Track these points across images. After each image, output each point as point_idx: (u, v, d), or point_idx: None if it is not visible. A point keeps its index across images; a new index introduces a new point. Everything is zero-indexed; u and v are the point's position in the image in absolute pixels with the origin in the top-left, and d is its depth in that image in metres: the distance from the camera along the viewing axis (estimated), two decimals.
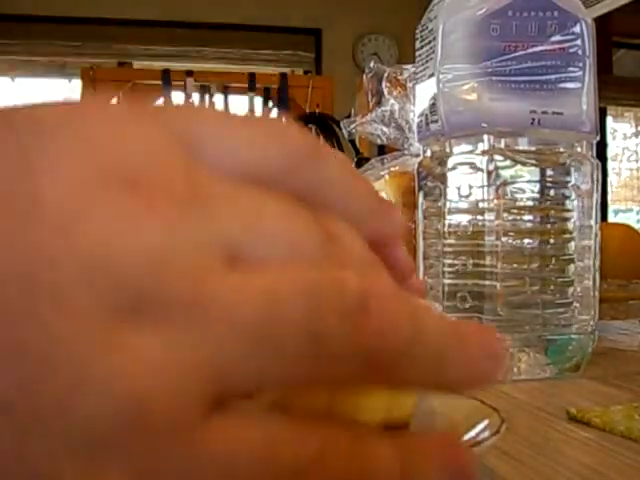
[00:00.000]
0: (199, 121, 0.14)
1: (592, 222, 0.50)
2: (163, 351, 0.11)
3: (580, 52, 0.48)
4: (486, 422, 0.27)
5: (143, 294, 0.11)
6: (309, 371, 0.12)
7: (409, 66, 0.65)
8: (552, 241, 0.49)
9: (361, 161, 1.80)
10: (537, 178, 0.49)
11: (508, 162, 0.48)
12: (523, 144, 0.49)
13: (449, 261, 0.49)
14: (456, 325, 0.15)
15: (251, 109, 3.13)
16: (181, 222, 0.12)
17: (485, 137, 0.48)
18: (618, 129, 4.36)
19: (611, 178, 4.29)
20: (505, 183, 0.48)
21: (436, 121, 0.49)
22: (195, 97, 3.11)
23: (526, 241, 0.49)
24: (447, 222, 0.50)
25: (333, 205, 0.15)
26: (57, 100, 0.14)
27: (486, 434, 0.26)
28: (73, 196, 0.11)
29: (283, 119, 0.15)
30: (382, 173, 0.66)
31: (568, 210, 0.50)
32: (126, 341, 0.11)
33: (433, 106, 0.49)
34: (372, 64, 0.72)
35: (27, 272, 0.11)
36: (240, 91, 3.15)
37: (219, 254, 0.12)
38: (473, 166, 0.49)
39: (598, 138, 0.50)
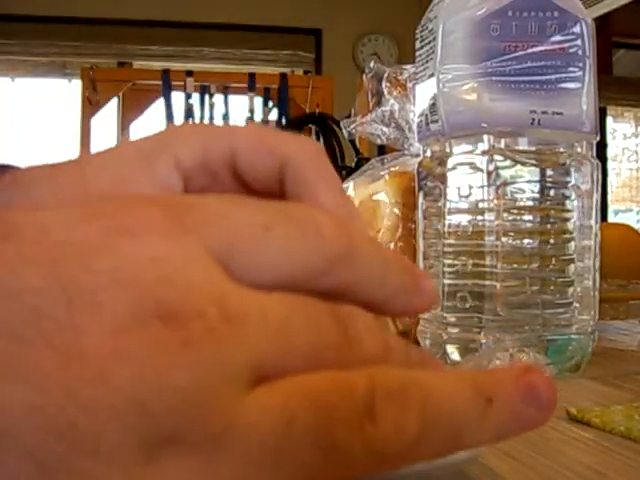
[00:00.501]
0: (237, 235, 0.15)
1: (592, 222, 0.50)
2: (192, 474, 0.12)
3: (580, 52, 0.48)
4: None
5: (173, 431, 0.12)
6: (322, 475, 0.13)
7: (409, 66, 0.65)
8: (552, 241, 0.49)
9: (361, 161, 1.80)
10: (537, 178, 0.49)
11: (508, 162, 0.48)
12: (523, 144, 0.49)
13: (449, 261, 0.49)
14: (474, 382, 0.15)
15: (251, 109, 3.13)
16: (213, 354, 0.13)
17: (485, 137, 0.48)
18: (618, 129, 4.36)
19: (611, 178, 4.29)
20: (505, 183, 0.48)
21: (436, 121, 0.49)
22: (195, 97, 3.11)
23: (526, 241, 0.49)
24: (447, 222, 0.50)
25: (365, 293, 0.16)
26: (99, 208, 0.14)
27: None
28: (111, 334, 0.12)
29: (317, 215, 0.16)
30: (382, 173, 0.66)
31: (568, 210, 0.50)
32: (159, 470, 0.12)
33: (433, 106, 0.49)
34: (372, 64, 0.72)
35: (63, 420, 0.11)
36: (240, 91, 3.15)
37: (245, 379, 0.13)
38: (473, 166, 0.49)
39: (598, 138, 0.50)
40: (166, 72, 3.11)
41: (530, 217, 0.49)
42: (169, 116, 3.09)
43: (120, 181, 0.23)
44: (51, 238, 0.13)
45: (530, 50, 0.47)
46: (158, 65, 3.33)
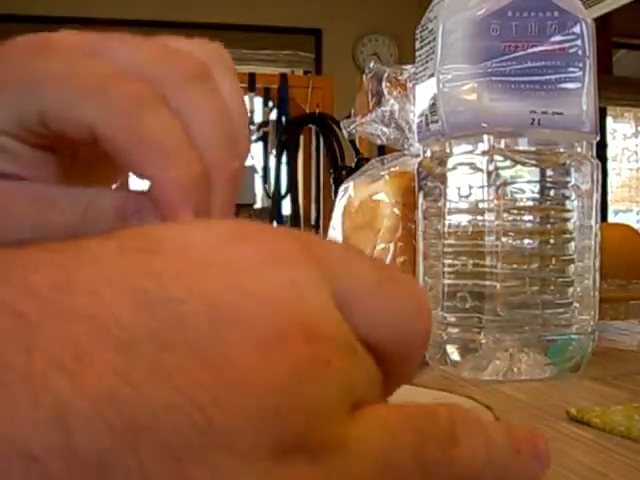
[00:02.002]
0: (356, 287, 0.16)
1: (592, 222, 0.50)
2: (314, 478, 0.13)
3: (580, 52, 0.48)
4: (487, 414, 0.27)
5: (302, 438, 0.13)
6: None
7: (409, 66, 0.65)
8: (552, 241, 0.49)
9: (361, 161, 1.80)
10: (537, 178, 0.49)
11: (508, 162, 0.48)
12: (523, 144, 0.49)
13: (449, 261, 0.49)
14: (509, 433, 0.17)
15: (251, 109, 3.13)
16: (340, 375, 0.14)
17: (485, 137, 0.48)
18: (618, 129, 4.36)
19: (611, 178, 4.29)
20: (505, 183, 0.48)
21: (436, 121, 0.49)
22: None
23: (526, 241, 0.49)
24: (447, 222, 0.50)
25: None
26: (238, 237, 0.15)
27: None
28: (256, 348, 0.13)
29: (412, 279, 0.18)
30: (382, 173, 0.66)
31: (568, 210, 0.50)
32: (285, 472, 0.13)
33: (433, 106, 0.49)
34: (372, 64, 0.72)
35: (201, 419, 0.12)
36: None
37: (353, 399, 0.14)
38: (473, 166, 0.49)
39: (598, 138, 0.50)
40: None
41: (530, 217, 0.49)
42: None
43: None
44: (195, 256, 0.14)
45: (530, 50, 0.47)
46: None
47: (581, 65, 0.48)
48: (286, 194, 2.92)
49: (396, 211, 0.62)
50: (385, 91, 0.68)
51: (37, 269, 0.13)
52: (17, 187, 0.23)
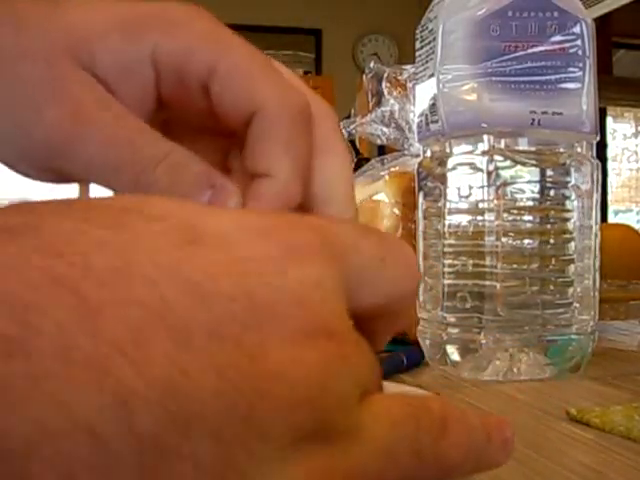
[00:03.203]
0: (365, 268, 0.17)
1: (592, 222, 0.50)
2: (328, 462, 0.14)
3: (580, 52, 0.48)
4: None
5: (325, 425, 0.14)
6: (406, 475, 0.16)
7: (409, 66, 0.65)
8: (552, 241, 0.49)
9: (361, 161, 1.80)
10: (537, 178, 0.49)
11: (508, 162, 0.48)
12: (523, 144, 0.49)
13: (449, 261, 0.50)
14: (482, 419, 0.19)
15: None
16: (356, 368, 0.15)
17: (485, 137, 0.48)
18: (618, 129, 4.37)
19: (611, 178, 4.29)
20: (505, 183, 0.48)
21: (436, 121, 0.49)
22: None
23: (526, 241, 0.49)
24: (447, 222, 0.50)
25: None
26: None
27: None
28: (290, 342, 0.14)
29: (408, 247, 0.20)
30: (382, 173, 0.66)
31: (568, 210, 0.50)
32: (304, 456, 0.14)
33: (433, 106, 0.49)
34: (372, 64, 0.72)
35: (244, 406, 0.13)
36: None
37: (360, 391, 0.16)
38: (473, 166, 0.49)
39: (598, 138, 0.50)
40: None
41: (530, 217, 0.49)
42: None
43: (94, 39, 0.24)
44: (233, 250, 0.15)
45: (530, 50, 0.47)
46: None
47: (581, 65, 0.48)
48: None
49: (396, 211, 0.62)
50: (385, 91, 0.68)
51: (94, 249, 0.13)
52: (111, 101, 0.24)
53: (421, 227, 0.53)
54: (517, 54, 0.47)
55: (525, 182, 0.49)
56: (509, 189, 0.48)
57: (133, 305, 0.13)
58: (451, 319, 0.49)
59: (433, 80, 0.49)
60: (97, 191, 0.26)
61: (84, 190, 2.09)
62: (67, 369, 0.11)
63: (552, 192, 0.49)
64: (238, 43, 0.24)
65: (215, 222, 0.16)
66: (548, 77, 0.48)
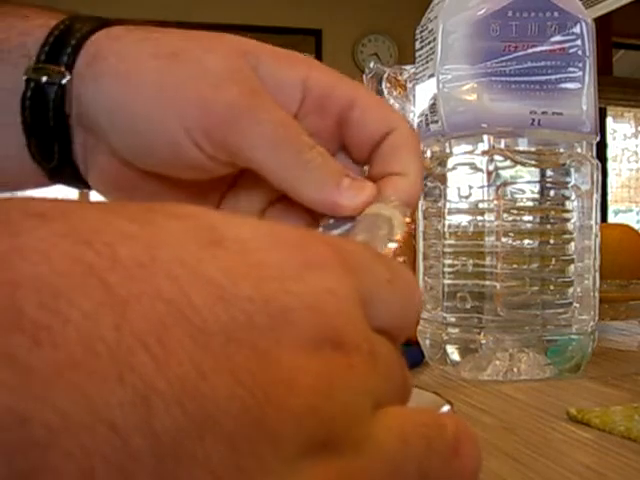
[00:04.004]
0: (375, 286, 0.18)
1: (592, 222, 0.50)
2: (335, 473, 0.14)
3: (580, 52, 0.48)
4: (447, 408, 0.28)
5: (331, 435, 0.14)
6: None
7: (409, 67, 0.65)
8: (552, 241, 0.49)
9: None
10: (537, 179, 0.49)
11: (508, 162, 0.48)
12: (523, 144, 0.49)
13: (449, 261, 0.50)
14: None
15: None
16: (365, 379, 0.15)
17: (485, 137, 0.48)
18: (618, 129, 4.36)
19: (611, 179, 4.29)
20: (505, 184, 0.48)
21: (436, 121, 0.49)
22: None
23: (526, 241, 0.49)
24: (447, 222, 0.50)
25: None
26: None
27: None
28: (300, 349, 0.14)
29: (414, 280, 0.20)
30: None
31: (568, 210, 0.50)
32: (311, 467, 0.14)
33: (433, 106, 0.49)
34: (372, 64, 0.72)
35: (257, 411, 0.13)
36: None
37: (372, 403, 0.15)
38: (473, 166, 0.49)
39: (598, 138, 0.50)
40: None
41: (530, 217, 0.49)
42: None
43: (259, 52, 0.29)
44: (252, 255, 0.15)
45: (530, 50, 0.48)
46: None
47: (581, 65, 0.48)
48: None
49: None
50: (385, 91, 0.68)
51: (120, 241, 0.13)
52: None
53: (421, 227, 0.53)
54: (517, 54, 0.47)
55: (525, 182, 0.49)
56: (509, 189, 0.48)
57: (158, 300, 0.13)
58: (451, 319, 0.49)
59: (433, 80, 0.49)
60: (97, 197, 0.27)
61: (84, 194, 2.09)
62: (91, 360, 0.12)
63: (552, 192, 0.49)
64: (358, 83, 0.31)
65: (235, 228, 0.16)
66: (548, 77, 0.48)
